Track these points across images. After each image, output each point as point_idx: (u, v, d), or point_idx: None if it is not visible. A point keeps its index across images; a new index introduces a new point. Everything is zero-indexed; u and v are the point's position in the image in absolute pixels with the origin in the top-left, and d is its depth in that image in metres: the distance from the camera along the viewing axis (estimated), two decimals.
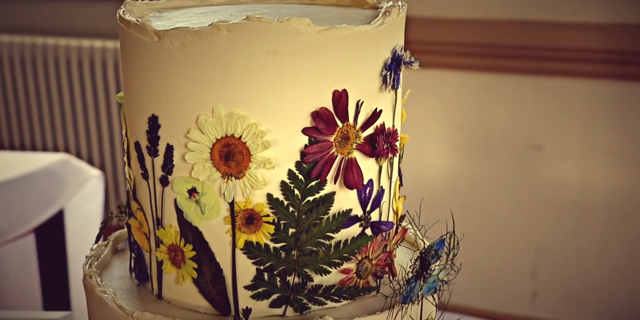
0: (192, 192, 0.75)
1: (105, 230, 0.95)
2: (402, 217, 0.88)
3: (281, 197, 0.74)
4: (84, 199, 2.64)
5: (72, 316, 1.16)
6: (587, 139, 2.62)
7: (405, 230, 0.87)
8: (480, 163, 2.93)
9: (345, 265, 0.78)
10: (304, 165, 0.74)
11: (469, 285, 2.89)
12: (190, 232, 0.77)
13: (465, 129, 2.87)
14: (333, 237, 0.77)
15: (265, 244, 0.75)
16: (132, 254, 0.86)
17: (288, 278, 0.77)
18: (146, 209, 0.80)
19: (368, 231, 0.79)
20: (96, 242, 0.94)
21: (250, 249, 0.76)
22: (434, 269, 0.80)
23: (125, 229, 0.91)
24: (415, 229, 0.81)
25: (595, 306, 2.79)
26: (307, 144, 0.74)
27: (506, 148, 2.82)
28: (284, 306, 0.78)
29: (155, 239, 0.80)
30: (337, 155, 0.75)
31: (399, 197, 0.86)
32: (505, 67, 2.66)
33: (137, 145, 0.79)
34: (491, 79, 2.71)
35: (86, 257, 0.89)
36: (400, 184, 0.87)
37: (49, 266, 2.65)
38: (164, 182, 0.77)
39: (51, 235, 2.68)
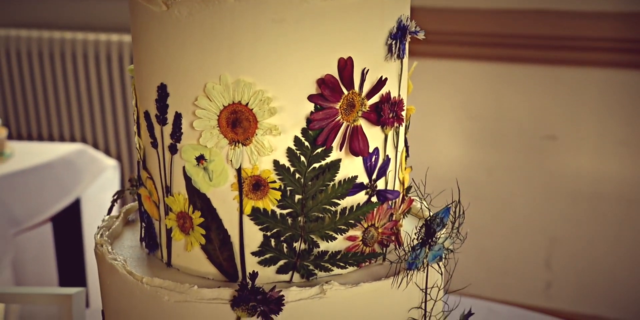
0: (200, 159, 0.77)
1: (117, 203, 0.96)
2: (409, 189, 0.89)
3: (287, 164, 0.76)
4: (100, 188, 2.66)
5: (84, 292, 1.18)
6: (602, 129, 2.61)
7: (411, 200, 0.88)
8: (494, 154, 2.93)
9: (351, 232, 0.79)
10: (310, 132, 0.75)
11: (483, 275, 2.89)
12: (198, 199, 0.78)
13: (479, 120, 2.87)
14: (339, 204, 0.78)
15: (272, 210, 0.77)
16: (142, 224, 0.87)
17: (294, 244, 0.78)
18: (155, 177, 0.82)
19: (374, 199, 0.80)
20: (108, 214, 0.95)
21: (257, 215, 0.77)
22: (440, 237, 0.81)
23: (137, 203, 0.93)
24: (421, 196, 0.82)
25: (609, 296, 2.78)
26: (312, 110, 0.75)
27: (520, 139, 2.81)
28: (290, 272, 0.79)
29: (164, 206, 0.81)
30: (343, 123, 0.76)
31: (406, 168, 0.87)
32: (520, 57, 2.66)
33: (147, 115, 0.81)
34: (506, 69, 2.71)
35: (98, 227, 0.90)
36: (407, 155, 0.88)
37: (66, 254, 2.67)
38: (173, 150, 0.78)
39: (68, 224, 2.70)
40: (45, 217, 2.56)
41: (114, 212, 0.96)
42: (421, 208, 0.94)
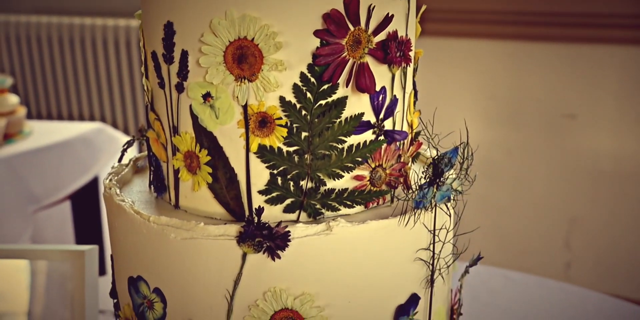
0: (207, 96, 0.77)
1: (126, 152, 0.97)
2: (417, 134, 0.89)
3: (293, 100, 0.75)
4: None
5: (97, 250, 1.18)
6: (621, 107, 2.59)
7: (420, 143, 0.87)
8: (513, 133, 2.92)
9: (359, 172, 0.79)
10: (316, 68, 0.75)
11: (501, 256, 2.88)
12: (205, 137, 0.78)
13: (498, 99, 2.85)
14: (345, 141, 0.77)
15: (279, 148, 0.76)
16: (151, 167, 0.88)
17: (301, 182, 0.78)
18: (163, 118, 0.82)
19: (382, 139, 0.80)
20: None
21: (264, 153, 0.77)
22: (448, 178, 0.81)
23: (146, 152, 0.93)
24: (429, 136, 0.82)
25: (629, 276, 2.77)
26: (318, 46, 0.75)
27: (539, 118, 2.80)
28: (297, 211, 0.79)
29: (172, 147, 0.82)
30: (349, 59, 0.76)
31: (414, 112, 0.87)
32: (539, 35, 2.64)
33: (154, 55, 0.81)
34: (524, 48, 2.70)
35: (107, 173, 0.91)
36: (415, 99, 0.87)
37: (85, 232, 2.69)
38: (180, 88, 0.78)
39: (86, 202, 2.71)
40: (64, 195, 2.58)
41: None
42: (429, 147, 0.93)
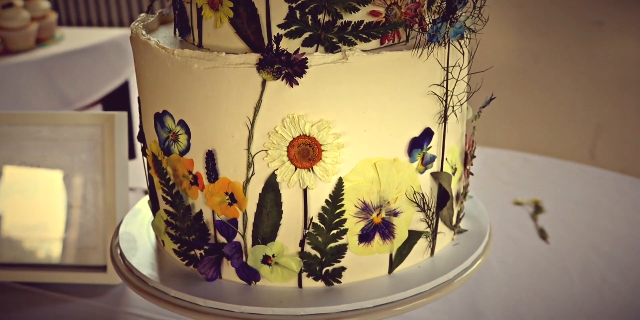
0: None
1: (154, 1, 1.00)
2: None
3: None
4: None
5: (127, 115, 1.23)
6: None
7: None
8: (540, 41, 2.91)
9: (374, 7, 0.81)
10: None
11: None
12: None
13: (525, 6, 2.84)
14: None
15: None
16: (175, 11, 0.91)
17: (319, 16, 0.80)
18: None
19: None
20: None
21: None
22: (461, 15, 0.83)
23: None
24: None
25: None
26: None
27: (566, 25, 2.79)
28: (315, 45, 0.81)
29: None
30: None
31: None
32: None
33: None
34: None
35: (134, 21, 0.94)
36: None
37: None
38: None
39: (117, 105, 2.76)
40: (96, 99, 2.63)
41: None
42: None
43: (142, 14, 0.97)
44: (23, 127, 1.23)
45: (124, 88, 2.75)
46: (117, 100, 2.73)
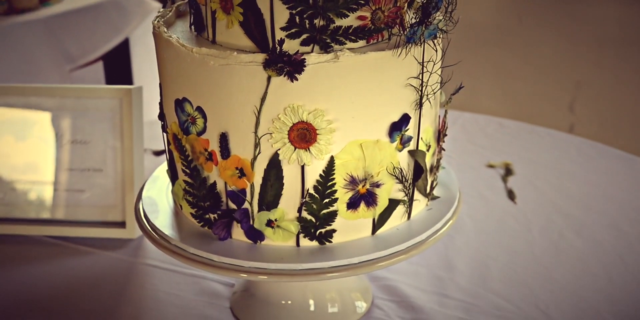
0: None
1: None
2: None
3: None
4: (148, 29, 2.83)
5: (142, 89, 1.38)
6: None
7: None
8: (524, 1, 3.03)
9: (362, 13, 0.96)
10: None
11: (508, 117, 3.06)
12: None
13: None
14: None
15: None
16: (192, 10, 1.06)
17: (315, 21, 0.95)
18: None
19: None
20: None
21: None
22: (435, 19, 0.98)
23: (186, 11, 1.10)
24: None
25: (632, 136, 2.93)
26: None
27: None
28: (312, 45, 0.97)
29: None
30: None
31: None
32: None
33: None
34: None
35: (155, 16, 1.09)
36: None
37: None
38: None
39: (118, 62, 2.89)
40: (97, 55, 2.75)
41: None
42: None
43: (161, 9, 1.12)
44: (49, 98, 1.38)
45: (124, 45, 2.87)
46: (117, 57, 2.85)
